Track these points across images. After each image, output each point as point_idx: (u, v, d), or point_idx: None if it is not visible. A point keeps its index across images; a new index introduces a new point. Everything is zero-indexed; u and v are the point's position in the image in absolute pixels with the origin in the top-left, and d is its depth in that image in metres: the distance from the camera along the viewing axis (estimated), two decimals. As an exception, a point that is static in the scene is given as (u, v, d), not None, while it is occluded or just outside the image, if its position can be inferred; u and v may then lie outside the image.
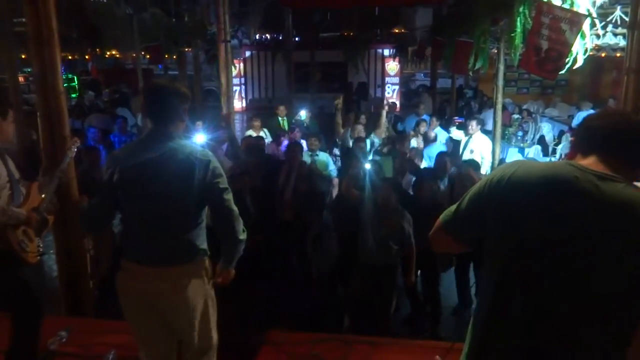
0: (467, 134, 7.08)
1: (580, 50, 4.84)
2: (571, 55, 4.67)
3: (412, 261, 4.25)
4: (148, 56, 12.82)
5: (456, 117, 8.50)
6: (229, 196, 2.27)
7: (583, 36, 4.79)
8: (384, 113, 7.20)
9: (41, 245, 2.90)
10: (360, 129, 7.07)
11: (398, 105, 14.57)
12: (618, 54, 10.42)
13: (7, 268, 2.67)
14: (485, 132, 9.50)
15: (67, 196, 3.86)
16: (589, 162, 1.42)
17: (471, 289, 5.01)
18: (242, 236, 2.31)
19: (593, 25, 5.14)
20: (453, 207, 1.58)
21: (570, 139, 9.36)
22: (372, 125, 7.44)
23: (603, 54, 10.16)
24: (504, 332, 1.41)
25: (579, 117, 10.53)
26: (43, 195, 2.93)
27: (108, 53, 13.02)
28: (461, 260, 4.89)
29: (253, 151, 5.15)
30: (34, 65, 3.78)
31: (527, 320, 1.37)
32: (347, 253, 4.69)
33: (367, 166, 5.04)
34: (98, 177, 5.33)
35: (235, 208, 2.29)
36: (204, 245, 2.33)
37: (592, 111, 10.39)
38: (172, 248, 2.25)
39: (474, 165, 5.36)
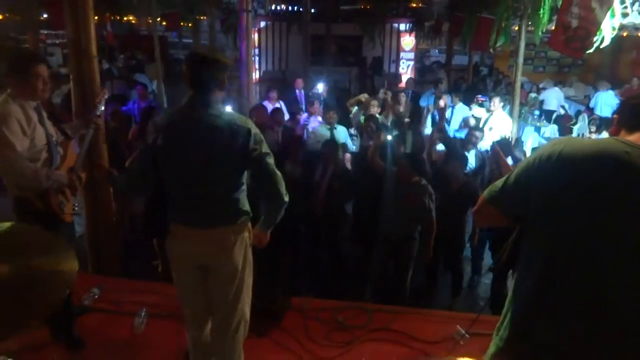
0: (488, 110, 7.06)
1: (608, 29, 4.81)
2: (600, 33, 4.65)
3: (432, 235, 4.32)
4: (165, 23, 12.78)
5: (479, 95, 8.46)
6: (272, 160, 2.35)
7: (613, 14, 4.76)
8: (389, 97, 7.15)
9: (76, 205, 3.00)
10: (374, 104, 7.03)
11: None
12: (639, 34, 10.29)
13: (46, 227, 2.77)
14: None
15: (97, 161, 3.96)
16: (636, 137, 1.47)
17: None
18: (287, 197, 2.40)
19: (622, 2, 5.10)
20: (499, 183, 1.63)
21: (587, 118, 9.31)
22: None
23: (625, 33, 10.01)
24: (554, 304, 1.46)
25: (597, 97, 10.44)
26: (77, 154, 3.02)
27: (125, 19, 12.95)
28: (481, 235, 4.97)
29: (288, 143, 5.16)
30: (68, 28, 3.82)
31: (579, 294, 1.42)
32: (366, 222, 4.79)
33: (389, 137, 5.08)
34: (121, 141, 5.44)
35: (278, 171, 2.37)
36: (246, 207, 2.42)
37: (611, 91, 10.32)
38: (216, 211, 2.34)
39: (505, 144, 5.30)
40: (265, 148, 2.33)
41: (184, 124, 2.29)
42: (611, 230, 1.38)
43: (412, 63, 16.48)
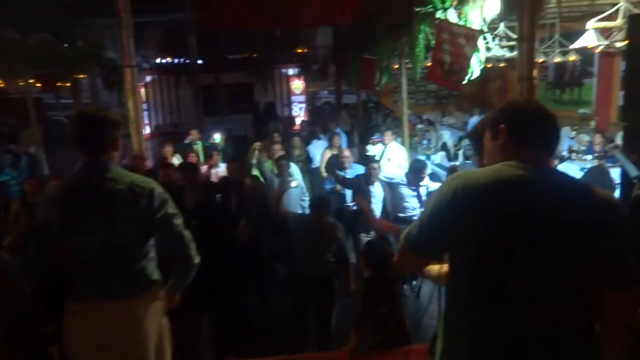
0: (383, 143, 7.48)
1: (476, 62, 5.32)
2: (470, 67, 5.11)
3: (350, 270, 4.36)
4: (39, 84, 11.97)
5: (374, 137, 8.94)
6: (180, 221, 2.21)
7: (478, 49, 5.27)
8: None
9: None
10: (278, 148, 7.10)
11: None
12: (501, 64, 11.54)
13: None
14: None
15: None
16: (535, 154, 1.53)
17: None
18: (197, 259, 2.26)
19: (485, 38, 5.67)
20: (413, 229, 1.63)
21: (467, 143, 10.15)
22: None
23: (489, 65, 11.18)
24: (483, 329, 1.50)
25: (472, 122, 11.47)
26: None
27: (-8, 83, 11.98)
28: None
29: (187, 175, 4.73)
30: None
31: (504, 314, 1.47)
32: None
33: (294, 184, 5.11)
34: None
35: (187, 232, 2.23)
36: (155, 275, 2.25)
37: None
38: (123, 281, 2.15)
39: None
40: (171, 208, 2.19)
41: (80, 192, 2.11)
42: (526, 247, 1.44)
43: (304, 105, 17.04)
